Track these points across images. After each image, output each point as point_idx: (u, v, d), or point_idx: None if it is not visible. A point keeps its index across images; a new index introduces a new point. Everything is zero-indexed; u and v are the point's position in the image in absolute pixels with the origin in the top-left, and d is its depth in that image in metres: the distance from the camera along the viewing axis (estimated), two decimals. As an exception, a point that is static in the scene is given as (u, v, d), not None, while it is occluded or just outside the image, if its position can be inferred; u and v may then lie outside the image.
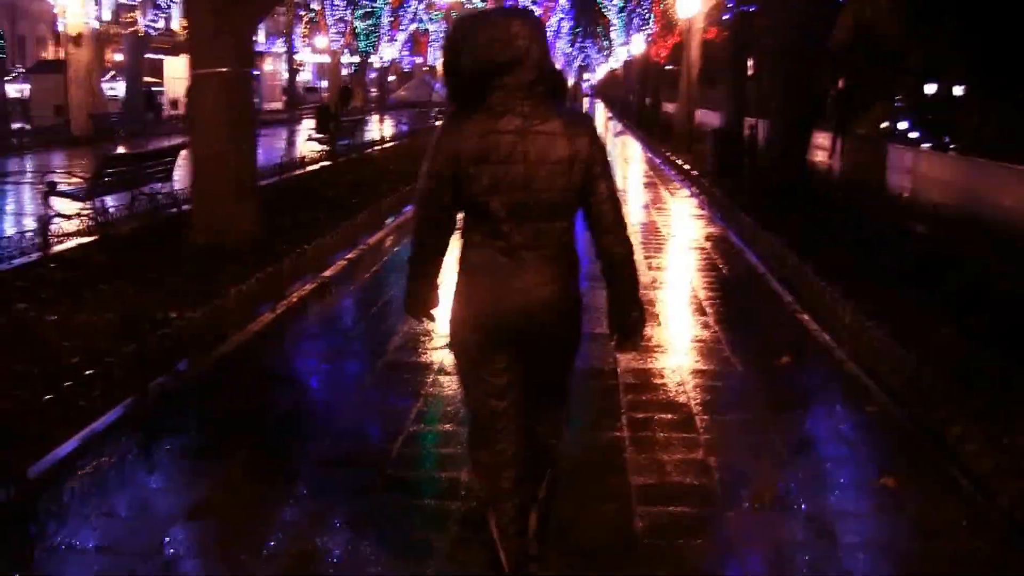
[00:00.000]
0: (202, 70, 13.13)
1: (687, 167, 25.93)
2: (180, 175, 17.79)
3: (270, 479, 6.17)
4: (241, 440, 6.81)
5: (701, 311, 10.98)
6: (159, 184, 17.16)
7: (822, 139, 23.87)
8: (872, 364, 8.54)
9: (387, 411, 7.50)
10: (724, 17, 29.84)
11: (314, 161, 26.40)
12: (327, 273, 12.37)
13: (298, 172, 23.98)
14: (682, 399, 7.89)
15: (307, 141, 30.62)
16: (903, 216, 17.38)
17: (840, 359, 9.03)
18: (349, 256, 13.52)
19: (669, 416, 7.48)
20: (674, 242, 15.75)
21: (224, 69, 12.93)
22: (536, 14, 4.48)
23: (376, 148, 32.75)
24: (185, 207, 15.54)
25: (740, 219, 16.14)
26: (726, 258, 14.24)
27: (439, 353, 8.95)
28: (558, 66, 4.92)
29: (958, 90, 50.68)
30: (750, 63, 22.96)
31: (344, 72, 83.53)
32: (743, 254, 14.45)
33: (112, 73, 58.02)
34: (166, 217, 15.75)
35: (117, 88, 53.94)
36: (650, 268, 13.33)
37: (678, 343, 9.60)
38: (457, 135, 4.13)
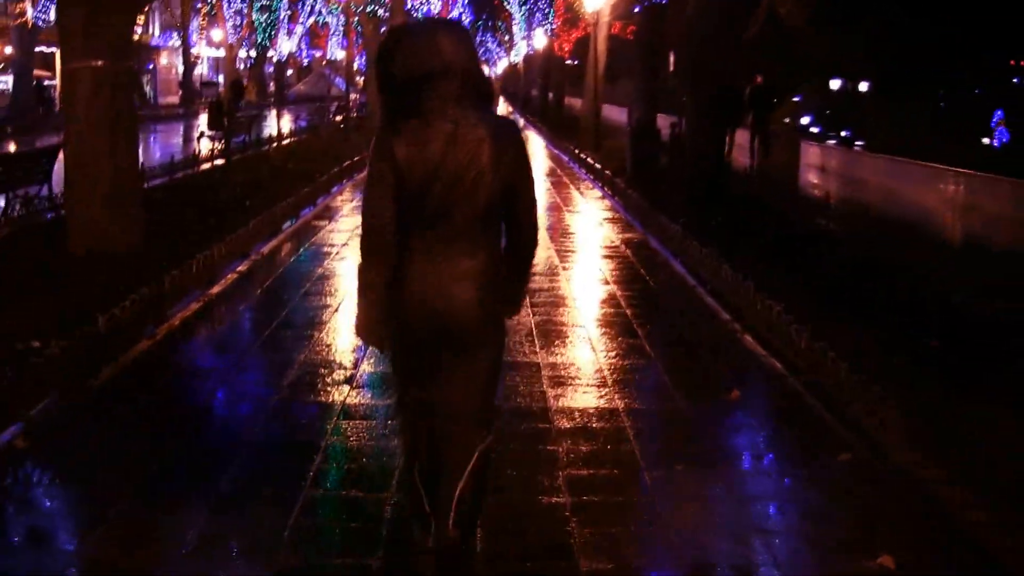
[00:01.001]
0: (75, 63, 11.86)
1: (597, 166, 24.90)
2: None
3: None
4: (94, 514, 5.58)
5: (630, 332, 9.93)
6: (37, 187, 15.83)
7: (739, 136, 23.11)
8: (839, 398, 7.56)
9: (280, 470, 6.29)
10: (635, 10, 28.86)
11: (207, 159, 25.04)
12: (215, 290, 11.16)
13: (190, 171, 22.62)
14: (625, 448, 6.79)
15: (200, 138, 29.12)
16: (827, 217, 16.71)
17: (795, 391, 8.01)
18: (240, 268, 12.32)
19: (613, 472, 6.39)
20: (592, 249, 14.67)
21: (99, 63, 11.68)
22: (462, 23, 4.63)
23: (273, 145, 31.33)
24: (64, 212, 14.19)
25: (662, 223, 15.10)
26: (650, 267, 13.22)
27: (341, 391, 7.80)
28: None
29: (863, 87, 50.73)
30: (671, 58, 21.82)
31: (241, 66, 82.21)
32: (669, 263, 13.43)
33: (1, 66, 55.70)
34: (42, 223, 14.44)
35: (6, 82, 52.10)
36: (568, 280, 12.30)
37: (610, 374, 8.49)
38: (390, 141, 4.28)
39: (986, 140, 34.66)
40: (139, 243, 12.15)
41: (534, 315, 10.32)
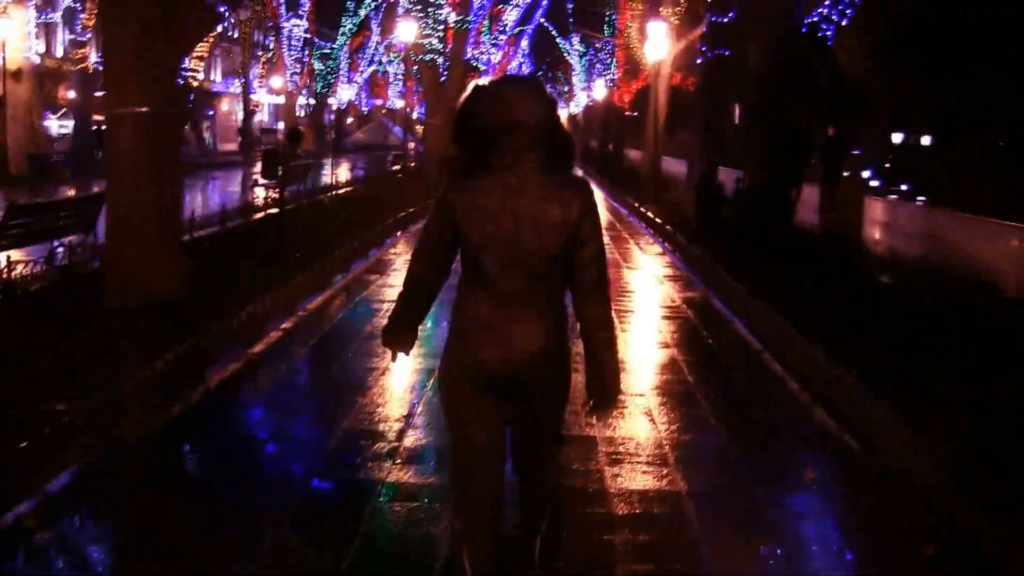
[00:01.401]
0: (120, 109, 11.45)
1: (658, 220, 24.33)
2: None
3: None
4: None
5: (691, 401, 9.34)
6: (83, 235, 15.47)
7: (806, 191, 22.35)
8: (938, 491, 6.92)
9: (311, 557, 5.75)
10: (697, 61, 28.38)
11: (261, 208, 24.67)
12: (257, 348, 10.68)
13: (242, 221, 22.18)
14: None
15: (254, 187, 28.81)
16: (901, 278, 15.96)
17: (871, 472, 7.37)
18: (286, 326, 11.84)
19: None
20: (651, 308, 14.10)
21: (144, 108, 11.26)
22: (544, 85, 4.54)
23: (329, 195, 30.95)
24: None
25: (726, 282, 14.50)
26: (713, 328, 12.62)
27: (382, 469, 7.25)
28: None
29: (925, 140, 49.98)
30: (736, 111, 21.25)
31: (301, 113, 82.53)
32: (732, 324, 12.83)
33: (64, 110, 56.01)
34: (84, 273, 14.02)
35: (68, 126, 52.41)
36: (624, 342, 11.72)
37: (671, 449, 7.89)
38: (455, 191, 4.37)
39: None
40: (181, 296, 11.71)
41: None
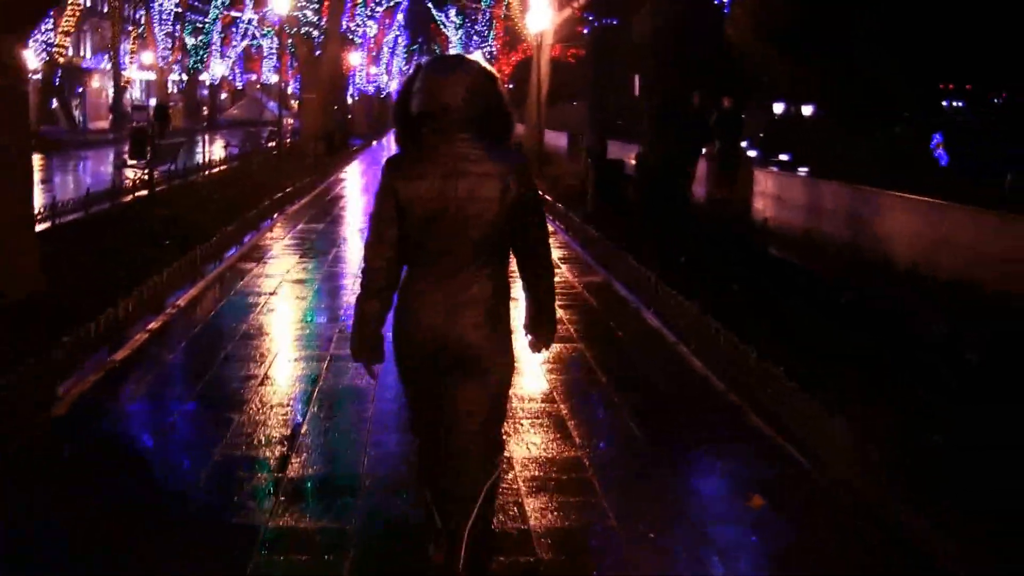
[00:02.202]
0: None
1: (547, 197, 23.37)
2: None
3: None
4: None
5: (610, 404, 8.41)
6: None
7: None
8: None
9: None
10: (584, 31, 27.44)
11: (130, 191, 23.18)
12: (120, 355, 9.49)
13: (109, 205, 20.71)
14: None
15: (122, 168, 27.09)
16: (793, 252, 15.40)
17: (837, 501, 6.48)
18: (153, 325, 10.66)
19: None
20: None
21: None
22: (479, 63, 4.59)
23: (203, 174, 29.52)
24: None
25: (630, 266, 13.56)
26: (619, 319, 11.71)
27: (264, 508, 6.16)
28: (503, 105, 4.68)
29: (807, 110, 49.87)
30: (636, 81, 20.02)
31: (175, 90, 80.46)
32: (641, 314, 11.93)
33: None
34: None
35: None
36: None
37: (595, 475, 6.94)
38: (396, 176, 4.48)
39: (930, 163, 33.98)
40: (35, 292, 10.50)
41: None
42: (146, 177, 23.74)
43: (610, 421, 8.05)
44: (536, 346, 4.95)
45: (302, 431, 7.53)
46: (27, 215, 11.27)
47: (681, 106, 17.49)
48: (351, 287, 13.39)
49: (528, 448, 7.23)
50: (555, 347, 10.13)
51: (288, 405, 8.20)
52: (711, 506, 6.43)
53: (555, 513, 6.09)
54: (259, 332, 10.67)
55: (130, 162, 26.02)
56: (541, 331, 4.90)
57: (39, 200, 16.72)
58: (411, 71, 4.63)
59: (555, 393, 8.66)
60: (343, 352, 9.69)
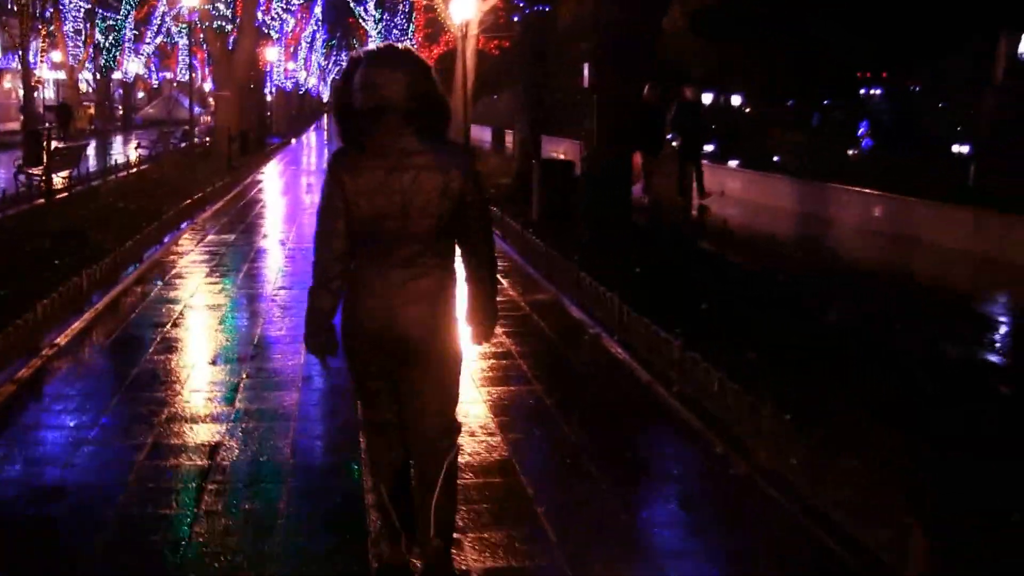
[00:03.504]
0: None
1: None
2: None
3: None
4: None
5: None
6: None
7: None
8: None
9: None
10: (515, 19, 25.70)
11: (25, 199, 21.03)
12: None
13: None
14: None
15: (16, 175, 24.59)
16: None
17: None
18: (22, 374, 8.83)
19: None
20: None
21: None
22: (414, 54, 4.69)
23: (109, 178, 27.27)
24: None
25: (584, 282, 11.83)
26: (578, 350, 10.06)
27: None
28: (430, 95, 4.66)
29: (736, 100, 49.30)
30: (585, 72, 18.02)
31: (89, 89, 78.19)
32: (600, 340, 10.26)
33: None
34: None
35: None
36: (468, 379, 9.04)
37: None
38: (340, 169, 4.57)
39: (852, 151, 33.54)
40: None
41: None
42: (42, 184, 21.72)
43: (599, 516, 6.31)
44: (477, 338, 4.98)
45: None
46: None
47: (630, 101, 15.81)
48: (267, 313, 11.64)
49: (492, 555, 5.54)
50: (508, 389, 8.49)
51: (169, 509, 6.24)
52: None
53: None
54: (151, 381, 8.82)
55: (26, 168, 23.90)
56: (481, 323, 4.93)
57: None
58: (348, 64, 4.68)
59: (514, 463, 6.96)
60: (255, 405, 8.02)
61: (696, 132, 19.91)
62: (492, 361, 9.44)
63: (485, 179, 22.84)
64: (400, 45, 4.78)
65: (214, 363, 9.57)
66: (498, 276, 5.08)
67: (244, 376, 8.98)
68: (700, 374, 7.98)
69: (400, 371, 4.72)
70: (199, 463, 6.87)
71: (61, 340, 10.01)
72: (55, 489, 6.42)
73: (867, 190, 18.79)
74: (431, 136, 4.58)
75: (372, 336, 4.61)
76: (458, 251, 4.81)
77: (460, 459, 6.06)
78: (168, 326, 10.85)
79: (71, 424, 7.70)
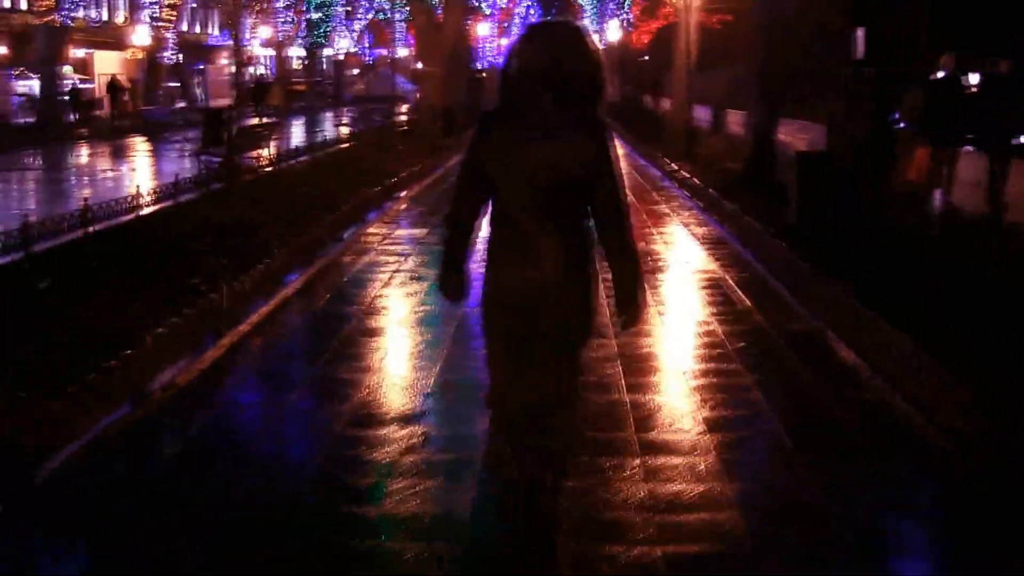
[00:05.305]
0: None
1: (710, 189, 18.84)
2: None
3: None
4: None
5: None
6: None
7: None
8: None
9: None
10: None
11: (205, 183, 18.80)
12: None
13: (169, 203, 16.35)
14: None
15: (199, 158, 22.30)
16: None
17: None
18: (108, 419, 6.62)
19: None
20: (730, 352, 8.46)
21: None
22: (571, 29, 4.78)
23: (303, 158, 24.81)
24: None
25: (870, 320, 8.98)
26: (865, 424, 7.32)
27: None
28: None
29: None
30: (856, 39, 14.31)
31: (299, 66, 78.88)
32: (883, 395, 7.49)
33: (21, 69, 50.25)
34: None
35: (30, 86, 47.45)
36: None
37: None
38: (484, 133, 4.73)
39: None
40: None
41: None
42: (221, 167, 19.78)
43: None
44: (625, 326, 4.89)
45: None
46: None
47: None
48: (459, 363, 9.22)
49: None
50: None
51: None
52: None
53: None
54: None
55: (208, 151, 21.91)
56: (627, 309, 4.80)
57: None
58: (518, 36, 4.78)
59: None
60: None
61: (1009, 115, 14.27)
62: (735, 427, 6.78)
63: (710, 163, 20.21)
64: (562, 19, 5.00)
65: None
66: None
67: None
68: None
69: (537, 336, 4.73)
70: None
71: (179, 380, 7.76)
72: None
73: None
74: (573, 107, 4.60)
75: (512, 298, 4.73)
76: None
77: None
78: (311, 382, 8.51)
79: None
